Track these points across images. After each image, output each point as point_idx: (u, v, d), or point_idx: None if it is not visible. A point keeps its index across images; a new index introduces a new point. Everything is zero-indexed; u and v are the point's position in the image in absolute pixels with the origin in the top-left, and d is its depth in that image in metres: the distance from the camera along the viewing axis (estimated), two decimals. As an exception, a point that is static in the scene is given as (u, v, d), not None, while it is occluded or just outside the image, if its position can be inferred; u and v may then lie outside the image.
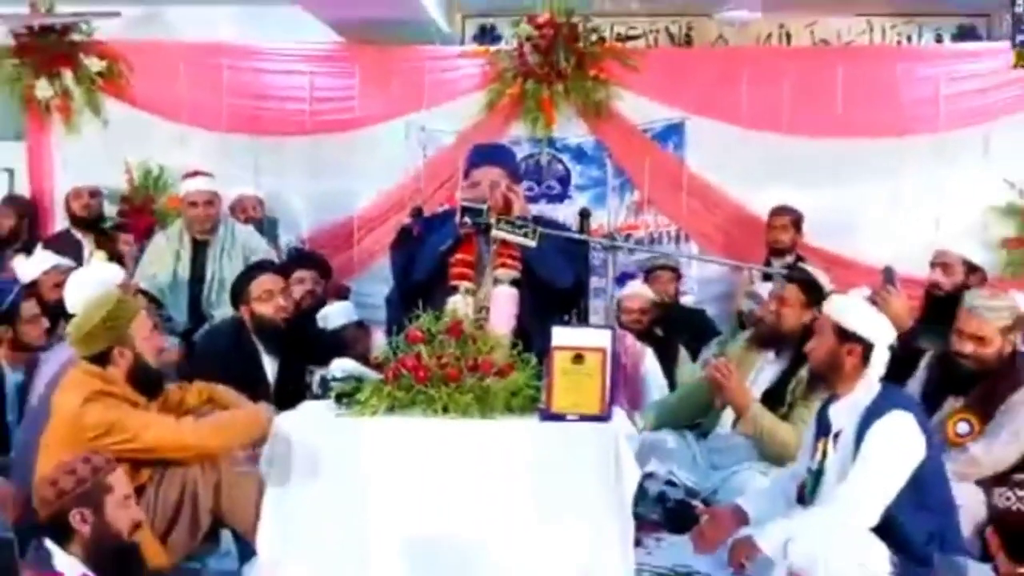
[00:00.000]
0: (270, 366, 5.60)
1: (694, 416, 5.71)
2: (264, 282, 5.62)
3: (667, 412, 5.88)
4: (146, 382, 4.39)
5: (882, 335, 4.32)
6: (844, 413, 4.31)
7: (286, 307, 5.66)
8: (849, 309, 4.42)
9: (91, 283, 5.29)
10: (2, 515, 4.35)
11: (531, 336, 4.64)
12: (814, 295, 5.36)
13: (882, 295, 5.30)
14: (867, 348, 4.29)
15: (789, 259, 6.92)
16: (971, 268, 5.90)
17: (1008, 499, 3.32)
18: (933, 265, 5.91)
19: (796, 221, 7.31)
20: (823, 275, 5.70)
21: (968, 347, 4.86)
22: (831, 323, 4.37)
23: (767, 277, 6.69)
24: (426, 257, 5.09)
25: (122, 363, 4.33)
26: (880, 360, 4.30)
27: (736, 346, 5.76)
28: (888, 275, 5.68)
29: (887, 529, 4.12)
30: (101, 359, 4.31)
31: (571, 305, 5.12)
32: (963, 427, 4.83)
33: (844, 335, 4.32)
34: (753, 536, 4.25)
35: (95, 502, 3.32)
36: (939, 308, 5.42)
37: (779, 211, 7.36)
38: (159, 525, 4.14)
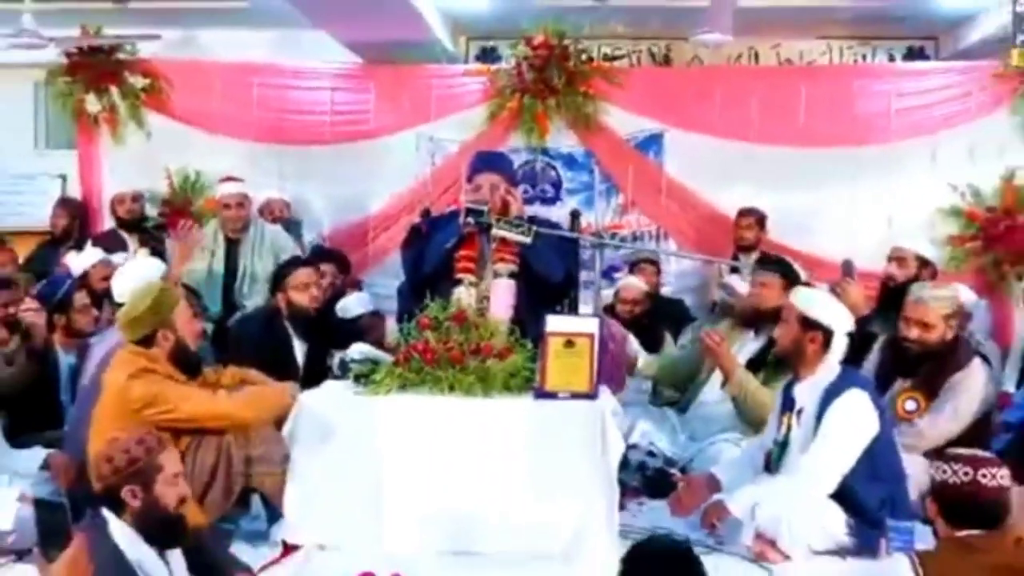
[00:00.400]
0: (300, 349, 5.59)
1: (685, 376, 5.75)
2: (301, 275, 5.64)
3: (668, 364, 6.00)
4: (186, 362, 4.39)
5: (841, 323, 4.33)
6: (807, 392, 4.32)
7: (318, 297, 5.71)
8: (812, 300, 4.43)
9: (136, 276, 5.30)
10: (57, 482, 4.35)
11: (527, 323, 4.65)
12: (791, 281, 5.36)
13: (842, 285, 5.32)
14: (828, 335, 4.30)
15: (754, 255, 6.91)
16: (923, 263, 5.88)
17: (944, 472, 3.34)
18: (889, 259, 5.90)
19: (760, 220, 7.31)
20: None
21: (914, 332, 4.87)
22: (796, 312, 4.38)
23: (734, 270, 6.71)
24: (433, 253, 5.09)
25: (165, 345, 4.32)
26: (839, 346, 4.31)
27: (721, 326, 5.75)
28: (847, 268, 5.69)
29: (844, 495, 4.14)
30: (146, 342, 4.31)
31: (563, 296, 5.13)
32: (910, 404, 4.84)
33: (807, 323, 4.33)
34: (724, 500, 4.27)
35: (146, 480, 3.30)
36: (893, 298, 5.40)
37: (745, 212, 7.35)
38: (196, 488, 4.12)
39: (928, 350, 4.91)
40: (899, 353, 5.00)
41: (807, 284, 5.21)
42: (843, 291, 5.21)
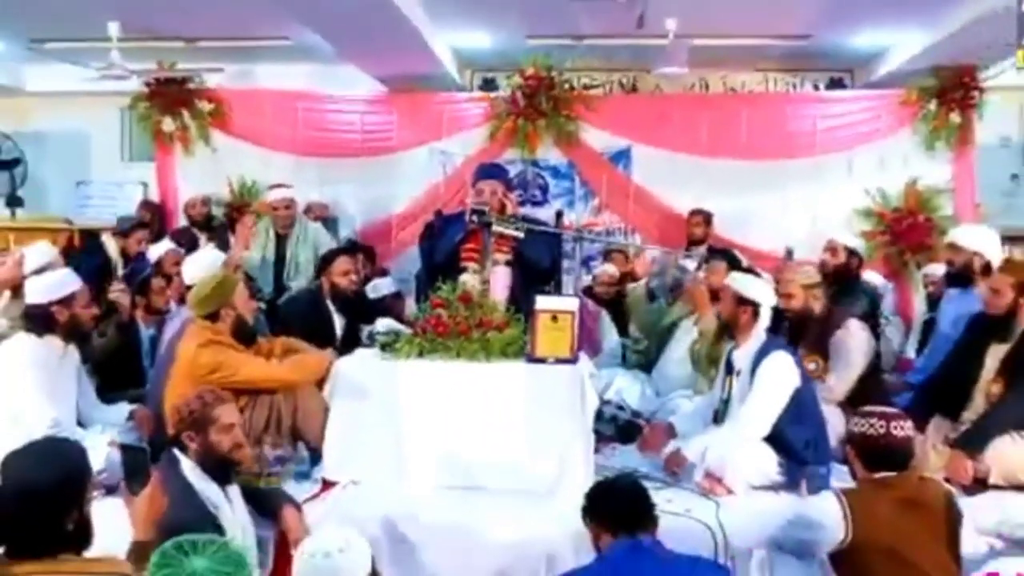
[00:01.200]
0: (338, 323, 5.58)
1: (664, 328, 5.78)
2: (342, 262, 5.66)
3: (654, 313, 5.99)
4: (244, 334, 4.39)
5: (766, 299, 4.35)
6: (743, 356, 4.34)
7: (356, 281, 5.73)
8: (743, 281, 4.44)
9: (202, 264, 5.31)
10: (140, 431, 4.36)
11: (521, 302, 4.65)
12: (734, 267, 5.38)
13: (787, 267, 5.28)
14: (756, 309, 4.31)
15: (703, 248, 6.90)
16: (851, 252, 5.85)
17: (861, 425, 3.37)
18: (825, 249, 5.87)
19: (707, 219, 7.29)
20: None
21: (783, 303, 4.85)
22: (731, 291, 4.40)
23: (687, 259, 6.72)
24: (444, 246, 5.09)
25: (227, 320, 4.32)
26: (765, 317, 4.32)
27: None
28: (788, 254, 5.69)
29: (775, 439, 4.15)
30: (212, 317, 4.31)
31: (549, 279, 5.11)
32: (812, 366, 4.83)
33: (740, 300, 4.34)
34: (681, 449, 4.28)
35: (202, 428, 3.32)
36: (825, 281, 5.36)
37: (695, 212, 7.34)
38: (252, 438, 4.14)
39: (798, 316, 4.93)
40: (783, 322, 4.95)
41: (750, 270, 5.21)
42: (785, 272, 5.19)
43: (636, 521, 2.97)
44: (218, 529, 3.07)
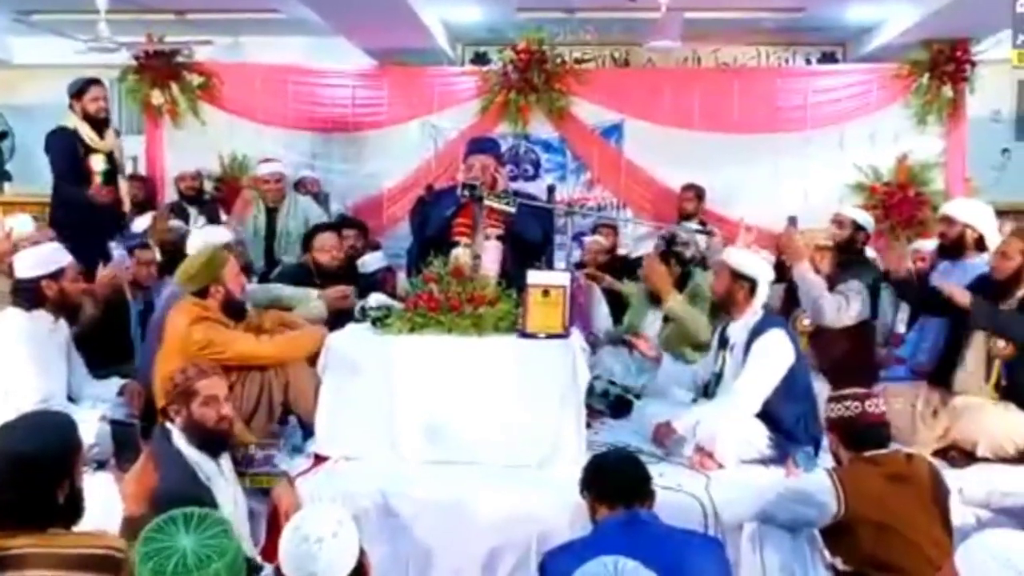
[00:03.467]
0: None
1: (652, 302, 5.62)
2: (324, 238, 5.62)
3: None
4: (233, 310, 4.36)
5: (763, 275, 4.31)
6: (738, 331, 4.31)
7: (339, 256, 5.66)
8: (740, 257, 4.41)
9: (207, 237, 5.26)
10: (131, 406, 4.33)
11: (513, 277, 4.61)
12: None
13: (788, 234, 5.25)
14: (753, 284, 4.29)
15: (695, 222, 6.88)
16: (858, 226, 5.80)
17: (835, 410, 3.42)
18: (832, 221, 5.82)
19: (699, 194, 7.28)
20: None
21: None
22: (727, 267, 4.36)
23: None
24: (435, 220, 5.05)
25: (217, 297, 4.29)
26: (762, 293, 4.29)
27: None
28: (792, 221, 5.65)
29: (766, 414, 4.14)
30: (201, 293, 4.28)
31: (541, 254, 5.08)
32: (806, 322, 4.96)
33: (737, 275, 4.31)
34: (671, 421, 4.27)
35: (185, 401, 3.31)
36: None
37: (687, 187, 7.32)
38: (244, 413, 4.12)
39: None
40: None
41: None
42: (789, 239, 5.18)
43: (633, 494, 2.97)
44: (211, 502, 3.06)
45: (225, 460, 3.44)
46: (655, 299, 5.35)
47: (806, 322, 5.01)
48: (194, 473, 3.24)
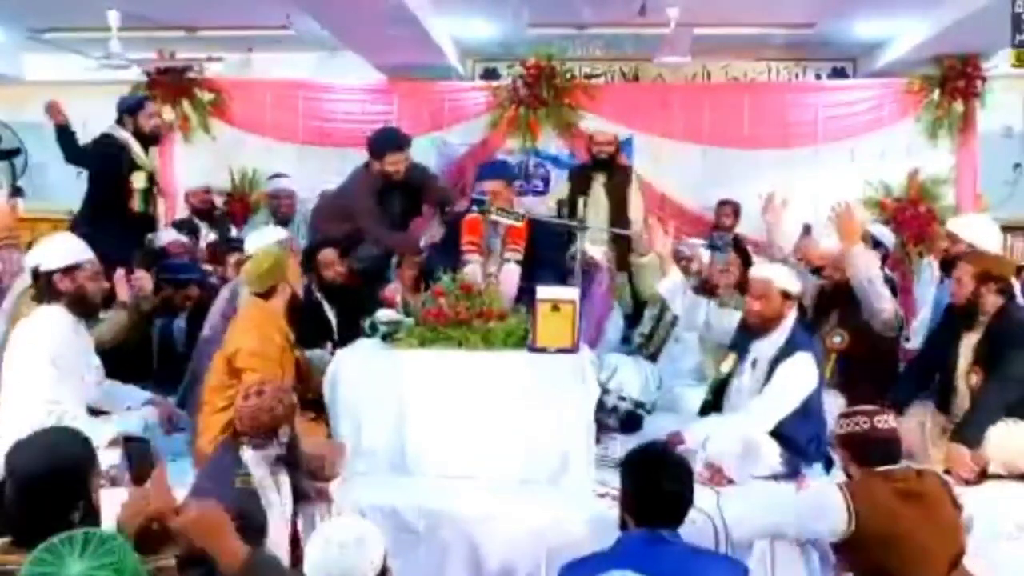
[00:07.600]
0: (330, 312, 5.45)
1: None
2: (326, 253, 5.56)
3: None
4: (297, 310, 4.43)
5: (799, 291, 4.41)
6: (765, 346, 4.31)
7: (341, 272, 5.55)
8: (785, 277, 4.41)
9: (265, 237, 5.29)
10: (164, 423, 4.26)
11: (526, 292, 4.67)
12: (746, 261, 5.52)
13: (805, 243, 5.30)
14: (795, 302, 4.34)
15: (729, 236, 6.85)
16: (876, 243, 5.82)
17: (844, 427, 3.43)
18: None
19: (736, 210, 7.24)
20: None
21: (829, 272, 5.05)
22: (777, 289, 4.34)
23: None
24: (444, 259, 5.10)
25: (283, 296, 4.32)
26: (795, 309, 4.36)
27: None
28: (807, 229, 5.70)
29: (780, 433, 4.15)
30: (268, 294, 4.29)
31: (562, 275, 5.05)
32: (836, 339, 4.93)
33: (787, 296, 4.33)
34: (681, 431, 4.27)
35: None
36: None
37: (723, 203, 7.30)
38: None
39: (836, 286, 5.07)
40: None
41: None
42: (807, 246, 5.21)
43: (668, 519, 2.94)
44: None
45: (284, 484, 3.45)
46: None
47: (836, 339, 5.00)
48: (255, 489, 3.27)
